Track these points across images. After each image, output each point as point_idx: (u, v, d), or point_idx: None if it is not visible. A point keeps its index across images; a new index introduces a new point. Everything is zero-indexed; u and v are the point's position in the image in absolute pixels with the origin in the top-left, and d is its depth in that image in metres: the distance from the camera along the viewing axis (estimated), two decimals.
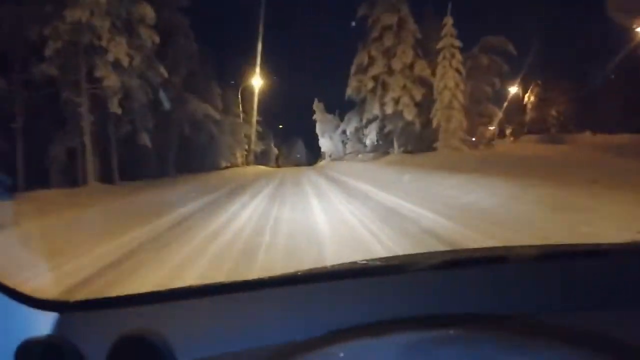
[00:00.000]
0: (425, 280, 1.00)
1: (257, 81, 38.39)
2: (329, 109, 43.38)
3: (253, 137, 42.20)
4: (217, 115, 25.11)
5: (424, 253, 1.56)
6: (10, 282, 0.89)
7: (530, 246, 1.88)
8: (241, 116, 39.20)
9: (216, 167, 26.79)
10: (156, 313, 0.93)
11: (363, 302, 0.93)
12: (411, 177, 13.69)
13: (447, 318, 0.83)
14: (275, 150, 68.61)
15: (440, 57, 23.74)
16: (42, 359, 0.83)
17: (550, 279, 1.00)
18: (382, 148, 28.48)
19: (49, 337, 0.87)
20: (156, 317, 0.92)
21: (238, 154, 40.89)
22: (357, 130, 31.74)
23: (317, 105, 43.20)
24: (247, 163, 41.94)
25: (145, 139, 18.30)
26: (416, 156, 22.49)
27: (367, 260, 1.19)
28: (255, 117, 41.98)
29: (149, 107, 17.93)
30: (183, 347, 0.82)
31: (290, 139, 79.95)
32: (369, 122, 27.76)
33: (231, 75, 38.22)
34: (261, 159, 61.30)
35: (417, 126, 25.01)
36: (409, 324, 0.77)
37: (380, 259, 1.30)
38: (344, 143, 42.26)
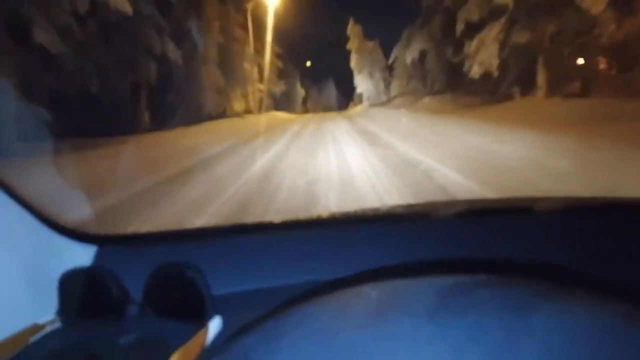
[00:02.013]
0: (450, 227, 1.01)
1: None
2: (369, 36, 32.44)
3: (266, 73, 32.22)
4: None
5: (446, 201, 1.52)
6: (52, 216, 0.89)
7: (555, 198, 1.71)
8: (251, 45, 29.32)
9: (187, 120, 17.15)
10: (193, 248, 0.96)
11: (390, 246, 0.94)
12: None
13: (475, 264, 0.87)
14: (301, 92, 59.07)
15: None
16: (84, 288, 0.85)
17: (575, 231, 0.99)
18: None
19: (90, 268, 0.91)
20: (193, 253, 0.94)
21: (243, 96, 31.50)
22: (425, 56, 20.21)
23: (352, 29, 32.17)
24: (260, 108, 32.51)
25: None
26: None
27: (391, 206, 1.35)
28: (269, 47, 31.94)
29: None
30: (218, 282, 0.85)
31: (320, 79, 69.22)
32: (474, 27, 12.78)
33: None
34: (283, 102, 51.79)
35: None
36: (439, 269, 0.76)
37: (403, 205, 1.43)
38: (386, 82, 31.85)
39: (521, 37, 9.97)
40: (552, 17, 9.68)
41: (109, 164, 7.62)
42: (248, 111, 33.11)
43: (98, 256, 0.94)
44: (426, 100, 16.92)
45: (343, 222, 1.10)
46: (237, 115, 31.42)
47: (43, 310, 0.84)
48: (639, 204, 1.13)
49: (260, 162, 7.53)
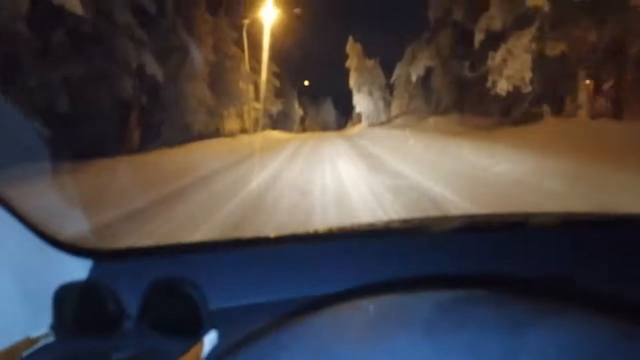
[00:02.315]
0: (446, 242, 1.01)
1: (268, 13, 27.32)
2: (369, 54, 31.41)
3: (263, 91, 31.12)
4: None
5: (442, 216, 1.54)
6: (48, 230, 0.89)
7: (549, 213, 1.74)
8: (247, 63, 28.35)
9: (172, 141, 15.52)
10: (190, 263, 0.95)
11: (387, 260, 0.94)
12: None
13: (469, 279, 0.86)
14: (299, 111, 58.16)
15: None
16: (79, 302, 0.85)
17: (570, 246, 0.99)
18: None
19: (86, 282, 0.90)
20: (190, 267, 0.93)
21: (239, 115, 30.32)
22: (430, 73, 18.47)
23: (352, 47, 31.15)
24: (255, 128, 31.30)
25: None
26: None
27: (387, 221, 1.31)
28: (266, 65, 30.87)
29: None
30: (214, 296, 0.85)
31: (318, 98, 68.71)
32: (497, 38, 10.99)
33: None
34: (281, 121, 50.78)
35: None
36: (434, 283, 0.77)
37: (400, 220, 1.42)
38: (385, 101, 30.68)
39: (556, 47, 8.51)
40: (598, 22, 8.18)
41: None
42: (244, 130, 31.92)
43: (94, 270, 0.94)
44: (431, 120, 15.56)
45: (339, 237, 1.10)
46: (232, 134, 30.20)
47: (37, 324, 0.83)
48: (634, 219, 1.12)
49: (239, 200, 6.00)
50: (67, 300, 0.85)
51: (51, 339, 0.84)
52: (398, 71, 19.37)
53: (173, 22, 15.15)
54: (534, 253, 0.96)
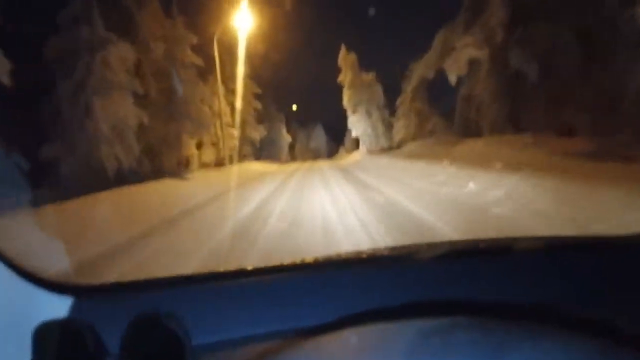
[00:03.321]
0: (431, 270, 1.01)
1: (243, 20, 22.63)
2: (366, 66, 26.49)
3: (237, 117, 26.10)
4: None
5: (429, 243, 1.42)
6: (28, 267, 0.88)
7: (534, 238, 1.76)
8: (219, 81, 23.43)
9: (74, 184, 9.99)
10: (172, 297, 0.94)
11: (372, 289, 0.93)
12: None
13: (454, 306, 0.86)
14: (287, 138, 53.47)
15: None
16: (60, 341, 0.83)
17: (554, 271, 0.99)
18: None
19: (66, 320, 0.88)
20: (172, 301, 0.92)
21: (213, 143, 25.33)
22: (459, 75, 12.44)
23: (344, 59, 26.15)
24: (232, 158, 26.08)
25: None
26: None
27: (373, 249, 1.31)
28: (240, 79, 25.99)
29: None
30: (197, 331, 0.84)
31: (308, 123, 64.47)
32: None
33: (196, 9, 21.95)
34: (267, 149, 45.70)
35: None
36: (419, 311, 0.79)
37: (386, 248, 1.42)
38: (385, 123, 25.65)
39: None
40: None
41: None
42: (219, 162, 26.72)
43: (74, 307, 0.92)
44: (473, 144, 10.22)
45: (325, 266, 1.09)
46: (206, 166, 24.98)
47: None
48: (619, 242, 1.12)
49: None
50: (47, 338, 0.82)
51: None
52: (417, 74, 13.98)
53: (85, 8, 10.13)
54: (519, 277, 0.96)
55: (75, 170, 9.01)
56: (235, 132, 29.88)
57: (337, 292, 0.94)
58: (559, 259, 1.03)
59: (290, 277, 1.01)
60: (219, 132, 28.74)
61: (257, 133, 33.86)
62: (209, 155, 28.29)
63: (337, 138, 49.10)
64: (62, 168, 9.56)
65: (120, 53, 9.90)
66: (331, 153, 63.63)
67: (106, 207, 7.01)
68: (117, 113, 9.57)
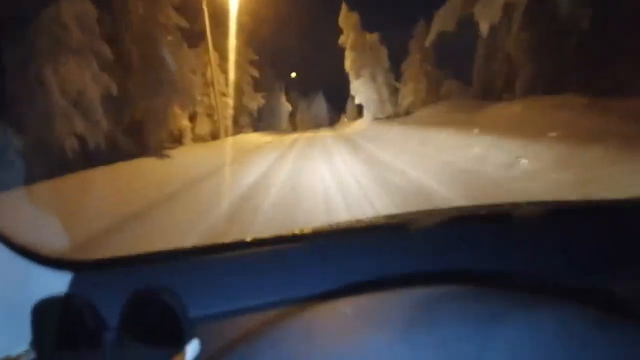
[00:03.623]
0: (430, 237, 1.00)
1: None
2: (369, 27, 24.23)
3: (231, 84, 24.24)
4: None
5: (428, 210, 1.36)
6: (26, 243, 0.88)
7: (536, 202, 1.56)
8: (210, 47, 21.58)
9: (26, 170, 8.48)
10: (169, 271, 0.94)
11: (368, 259, 0.92)
12: None
13: (452, 274, 0.85)
14: (287, 107, 51.55)
15: None
16: (59, 317, 0.84)
17: (556, 237, 0.96)
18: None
19: (65, 295, 0.88)
20: (169, 275, 0.92)
21: (205, 113, 23.66)
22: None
23: (346, 18, 23.89)
24: (228, 128, 24.48)
25: None
26: None
27: (372, 217, 1.26)
28: (233, 43, 24.04)
29: None
30: (195, 304, 0.84)
31: (308, 91, 62.69)
32: None
33: None
34: (266, 119, 43.98)
35: None
36: (413, 281, 0.77)
37: (385, 216, 1.36)
38: (390, 88, 23.71)
39: None
40: None
41: None
42: (215, 134, 25.11)
43: (73, 283, 0.91)
44: (514, 108, 8.37)
45: (323, 236, 1.07)
46: (200, 139, 23.47)
47: (17, 342, 0.82)
48: (624, 206, 1.09)
49: None
50: (46, 314, 0.83)
51: (32, 356, 0.82)
52: (438, 25, 12.03)
53: None
54: (519, 244, 0.94)
55: (23, 152, 7.43)
56: (231, 102, 28.05)
57: (335, 262, 0.92)
58: (560, 224, 1.00)
59: (288, 248, 0.98)
60: (214, 103, 26.96)
61: (255, 102, 31.96)
62: (203, 127, 26.62)
63: (338, 106, 47.24)
64: (8, 152, 7.95)
65: (76, 8, 8.09)
66: (332, 121, 61.97)
67: (45, 200, 5.50)
68: (76, 82, 7.89)
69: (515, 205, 1.33)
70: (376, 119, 24.16)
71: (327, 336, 0.56)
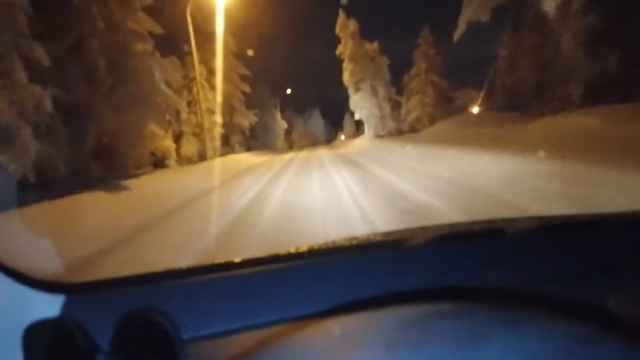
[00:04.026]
0: (423, 254, 0.99)
1: None
2: (367, 35, 22.30)
3: (219, 100, 22.32)
4: None
5: (423, 227, 1.31)
6: (16, 265, 0.89)
7: (529, 218, 1.72)
8: (195, 60, 19.72)
9: None
10: (162, 292, 0.93)
11: (361, 278, 0.92)
12: None
13: (443, 292, 0.86)
14: (282, 124, 49.80)
15: None
16: (50, 340, 0.83)
17: (548, 251, 0.96)
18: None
19: (56, 318, 0.88)
20: (162, 296, 0.91)
21: (195, 134, 21.81)
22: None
23: (343, 26, 21.93)
24: (219, 149, 22.48)
25: None
26: None
27: (366, 235, 1.22)
28: (220, 58, 22.15)
29: None
30: (188, 325, 0.84)
31: (304, 108, 61.63)
32: None
33: None
34: (261, 137, 42.08)
35: None
36: (405, 298, 0.78)
37: (379, 233, 1.36)
38: (391, 103, 21.81)
39: None
40: None
41: None
42: (203, 155, 23.13)
43: (64, 306, 0.90)
44: (589, 120, 6.06)
45: (317, 255, 1.06)
46: (187, 160, 21.48)
47: None
48: (617, 220, 1.10)
49: None
50: (37, 338, 0.82)
51: None
52: (467, 14, 9.90)
53: None
54: (513, 259, 0.94)
55: None
56: (220, 120, 26.03)
57: (330, 281, 0.91)
58: (553, 239, 1.00)
59: (282, 267, 0.96)
60: (200, 120, 24.94)
61: (247, 120, 29.91)
62: (190, 147, 24.55)
63: (335, 123, 45.71)
64: None
65: None
66: (330, 139, 60.75)
67: None
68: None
69: (509, 221, 1.36)
70: (378, 136, 22.15)
71: (318, 356, 0.56)
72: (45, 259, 3.10)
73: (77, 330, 0.83)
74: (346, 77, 21.92)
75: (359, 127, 27.60)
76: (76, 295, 0.93)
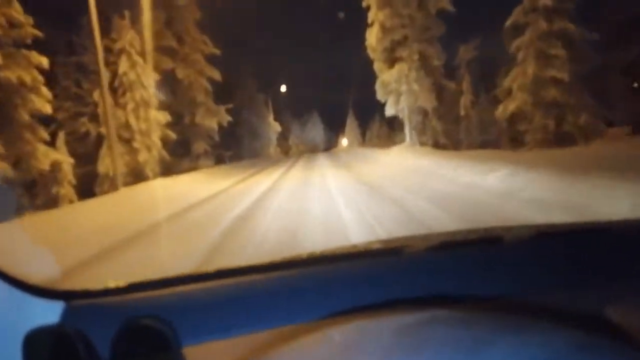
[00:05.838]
0: (423, 262, 1.00)
1: None
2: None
3: (149, 90, 12.79)
4: None
5: (423, 235, 1.39)
6: (17, 273, 0.88)
7: (528, 226, 1.61)
8: (94, 21, 10.00)
9: None
10: (161, 299, 0.93)
11: (361, 285, 0.92)
12: None
13: (443, 299, 0.86)
14: (275, 127, 41.08)
15: None
16: (51, 348, 0.83)
17: (546, 259, 0.97)
18: None
19: (56, 326, 0.88)
20: (161, 304, 0.92)
21: (145, 146, 12.71)
22: None
23: None
24: (153, 169, 13.23)
25: None
26: None
27: (367, 242, 1.24)
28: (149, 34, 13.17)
29: None
30: (187, 332, 0.84)
31: (301, 110, 53.31)
32: None
33: None
34: (247, 143, 33.11)
35: None
36: (404, 306, 0.78)
37: (380, 241, 1.38)
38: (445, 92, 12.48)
39: None
40: None
41: None
42: (139, 174, 13.92)
43: (64, 313, 0.90)
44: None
45: (317, 262, 1.06)
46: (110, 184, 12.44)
47: None
48: (613, 228, 1.11)
49: None
50: (37, 345, 0.81)
51: None
52: None
53: None
54: (508, 267, 0.94)
55: None
56: (164, 118, 16.66)
57: (329, 288, 0.91)
58: (552, 247, 1.01)
59: (281, 275, 0.97)
60: (131, 119, 15.47)
61: (215, 119, 20.47)
62: (111, 162, 15.25)
63: (335, 126, 37.86)
64: None
65: None
66: (330, 144, 53.11)
67: None
68: None
69: (506, 229, 1.35)
70: (422, 144, 12.95)
71: None
72: (43, 266, 2.51)
73: (77, 337, 0.82)
74: (374, 42, 12.40)
75: (364, 133, 18.44)
76: (76, 303, 0.92)
